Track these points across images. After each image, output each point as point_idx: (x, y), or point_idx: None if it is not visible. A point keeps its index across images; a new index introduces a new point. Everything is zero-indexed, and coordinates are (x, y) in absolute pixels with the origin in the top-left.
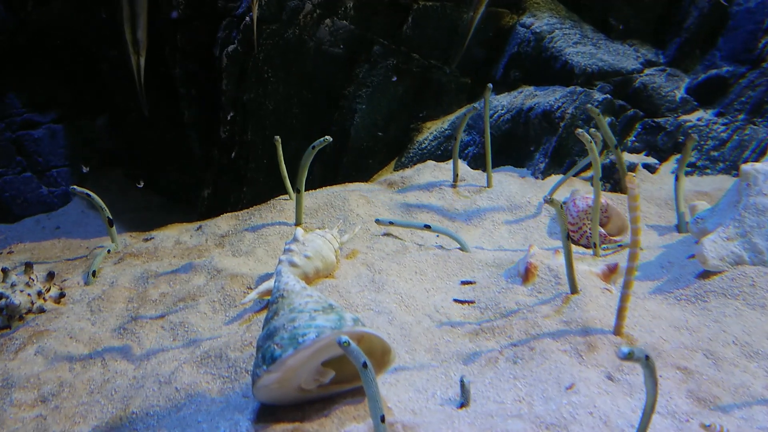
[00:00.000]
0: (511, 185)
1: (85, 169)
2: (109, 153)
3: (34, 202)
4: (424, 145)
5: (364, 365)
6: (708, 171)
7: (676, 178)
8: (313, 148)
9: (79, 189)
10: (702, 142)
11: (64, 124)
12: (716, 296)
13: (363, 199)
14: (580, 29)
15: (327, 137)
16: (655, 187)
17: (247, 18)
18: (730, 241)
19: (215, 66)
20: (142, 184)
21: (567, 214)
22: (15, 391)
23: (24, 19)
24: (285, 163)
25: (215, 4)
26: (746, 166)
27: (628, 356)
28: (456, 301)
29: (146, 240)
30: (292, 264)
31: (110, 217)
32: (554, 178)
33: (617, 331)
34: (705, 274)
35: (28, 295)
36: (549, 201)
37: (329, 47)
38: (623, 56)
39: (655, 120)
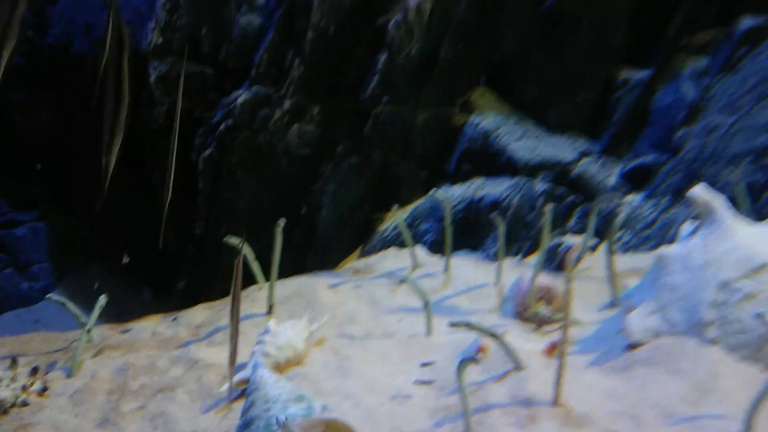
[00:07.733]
0: (467, 268)
1: (125, 260)
2: (89, 248)
3: (14, 297)
4: (386, 234)
5: None
6: (641, 249)
7: (608, 258)
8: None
9: (56, 298)
10: (634, 224)
11: (46, 221)
12: (641, 365)
13: (329, 288)
14: (523, 125)
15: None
16: (596, 266)
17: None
18: (651, 315)
19: (191, 169)
20: (127, 260)
21: (516, 295)
22: None
23: (12, 128)
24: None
25: (193, 114)
26: (660, 250)
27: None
28: (416, 382)
29: (123, 332)
30: (265, 354)
31: (85, 323)
32: (504, 261)
33: (555, 402)
34: (632, 346)
35: (13, 390)
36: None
37: (297, 149)
38: (562, 148)
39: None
